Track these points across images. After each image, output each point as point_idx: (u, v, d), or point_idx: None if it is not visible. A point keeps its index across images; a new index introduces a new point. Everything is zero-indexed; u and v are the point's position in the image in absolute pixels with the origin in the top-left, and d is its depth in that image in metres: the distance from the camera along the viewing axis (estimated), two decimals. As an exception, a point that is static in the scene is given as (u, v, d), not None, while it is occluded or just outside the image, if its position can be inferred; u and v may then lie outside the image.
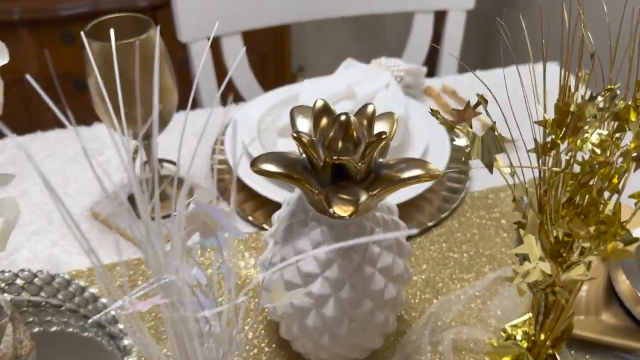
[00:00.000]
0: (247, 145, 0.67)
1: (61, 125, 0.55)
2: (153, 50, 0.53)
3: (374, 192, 0.39)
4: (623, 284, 0.54)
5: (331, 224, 0.41)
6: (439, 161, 0.67)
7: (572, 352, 0.50)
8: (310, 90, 0.69)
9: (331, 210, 0.36)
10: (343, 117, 0.39)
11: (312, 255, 0.41)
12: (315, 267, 0.42)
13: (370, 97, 0.69)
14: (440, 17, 1.00)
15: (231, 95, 0.33)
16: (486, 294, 0.55)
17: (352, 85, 0.69)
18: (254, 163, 0.40)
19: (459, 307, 0.53)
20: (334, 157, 0.37)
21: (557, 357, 0.42)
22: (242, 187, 0.65)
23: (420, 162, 0.40)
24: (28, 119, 1.51)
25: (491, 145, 0.30)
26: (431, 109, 0.33)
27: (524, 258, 0.34)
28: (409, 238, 0.61)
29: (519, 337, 0.44)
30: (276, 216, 0.46)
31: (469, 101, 0.31)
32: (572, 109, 0.28)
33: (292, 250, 0.43)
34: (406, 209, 0.63)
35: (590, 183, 0.31)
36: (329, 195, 0.37)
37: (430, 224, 0.62)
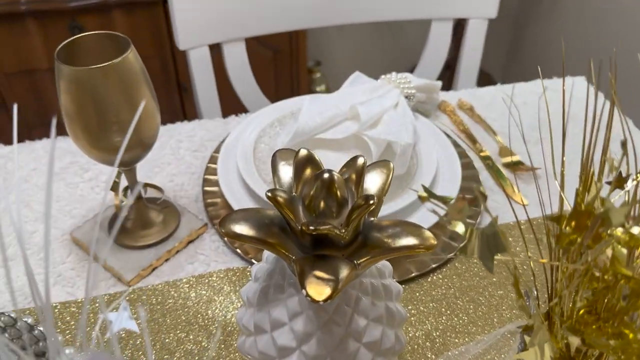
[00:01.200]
0: (241, 169, 0.62)
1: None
2: (131, 72, 0.48)
3: (360, 261, 0.34)
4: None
5: (310, 293, 0.36)
6: (450, 188, 0.61)
7: None
8: (310, 110, 0.64)
9: (304, 292, 0.31)
10: (326, 175, 0.34)
11: (289, 327, 0.36)
12: (292, 339, 0.37)
13: (376, 119, 0.63)
14: (459, 26, 0.92)
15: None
16: (492, 352, 0.50)
17: (357, 105, 0.63)
18: (223, 223, 0.35)
19: (461, 368, 0.48)
20: (311, 228, 0.32)
21: None
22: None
23: (415, 229, 0.35)
24: (37, 109, 1.49)
25: (492, 243, 0.24)
26: (419, 195, 0.27)
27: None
28: (407, 282, 0.56)
29: None
30: (254, 271, 0.41)
31: (463, 196, 0.25)
32: (594, 207, 0.22)
33: (267, 317, 0.38)
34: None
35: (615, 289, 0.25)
36: (304, 270, 0.32)
37: (433, 265, 0.56)
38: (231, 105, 0.92)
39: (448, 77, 1.08)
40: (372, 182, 0.38)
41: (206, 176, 0.67)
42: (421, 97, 0.73)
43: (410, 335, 0.51)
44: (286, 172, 0.38)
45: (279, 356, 0.37)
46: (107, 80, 0.46)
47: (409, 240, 0.34)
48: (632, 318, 0.26)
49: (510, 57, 1.56)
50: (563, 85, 0.26)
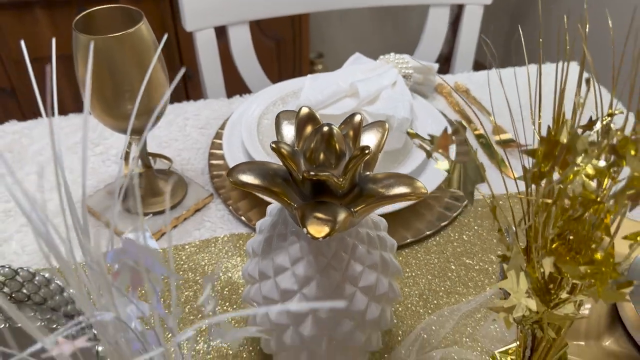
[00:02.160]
0: (245, 142, 0.65)
1: (76, 108, 0.53)
2: (143, 43, 0.51)
3: (356, 209, 0.37)
4: (628, 309, 0.51)
5: (311, 240, 0.39)
6: (443, 165, 0.64)
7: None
8: (312, 87, 0.67)
9: (305, 230, 0.34)
10: (325, 129, 0.37)
11: (291, 271, 0.39)
12: (294, 283, 0.40)
13: (375, 96, 0.66)
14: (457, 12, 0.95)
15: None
16: (481, 311, 0.53)
17: (356, 82, 0.66)
18: (231, 173, 0.38)
19: (451, 324, 0.51)
20: (312, 173, 0.35)
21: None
22: (237, 185, 0.63)
23: (407, 180, 0.38)
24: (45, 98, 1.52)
25: (472, 174, 0.27)
26: (408, 132, 0.30)
27: (509, 292, 0.31)
28: (403, 247, 0.59)
29: (507, 366, 0.41)
30: (259, 225, 0.44)
31: (446, 127, 0.28)
32: (563, 139, 0.25)
33: (271, 264, 0.41)
34: (405, 216, 0.61)
35: (584, 217, 0.28)
36: (305, 214, 0.35)
37: (428, 232, 0.59)
38: (236, 88, 0.95)
39: (445, 70, 1.11)
40: (369, 139, 0.41)
41: (212, 150, 0.70)
42: (418, 78, 0.76)
43: (404, 294, 0.54)
44: (289, 130, 0.41)
45: (282, 299, 0.40)
46: (122, 49, 0.49)
47: (402, 189, 0.37)
48: (600, 245, 0.29)
49: (507, 49, 1.58)
50: (556, 64, 0.29)
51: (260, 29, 1.46)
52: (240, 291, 0.55)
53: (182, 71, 0.26)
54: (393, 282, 0.43)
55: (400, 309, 0.53)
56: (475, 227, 0.61)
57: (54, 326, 0.53)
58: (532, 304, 0.30)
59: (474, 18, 0.96)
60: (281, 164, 0.38)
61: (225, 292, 0.54)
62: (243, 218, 0.61)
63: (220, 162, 0.68)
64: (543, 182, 0.29)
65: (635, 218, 0.57)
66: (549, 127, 0.27)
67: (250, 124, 0.68)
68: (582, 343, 0.50)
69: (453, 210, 0.62)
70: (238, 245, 0.59)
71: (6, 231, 0.60)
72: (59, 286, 0.50)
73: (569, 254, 0.30)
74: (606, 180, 0.28)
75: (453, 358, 0.48)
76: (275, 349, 0.44)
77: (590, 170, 0.27)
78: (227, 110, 0.78)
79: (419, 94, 0.78)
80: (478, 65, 0.98)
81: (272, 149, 0.36)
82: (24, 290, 0.52)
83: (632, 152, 0.26)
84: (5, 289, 0.51)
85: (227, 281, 0.55)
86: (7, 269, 0.50)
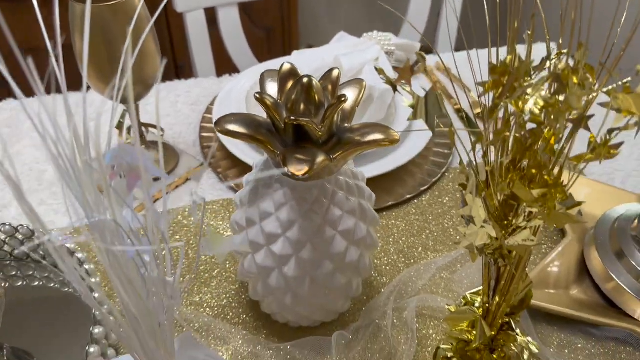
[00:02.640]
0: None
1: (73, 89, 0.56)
2: (135, 13, 0.54)
3: (334, 155, 0.40)
4: (595, 261, 0.54)
5: (293, 186, 0.42)
6: (422, 136, 0.67)
7: (540, 325, 0.51)
8: (297, 61, 0.70)
9: (286, 169, 0.37)
10: (305, 80, 0.40)
11: (275, 216, 0.42)
12: (278, 227, 0.43)
13: (357, 70, 0.70)
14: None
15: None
16: (457, 265, 0.56)
17: (339, 57, 0.69)
18: (219, 123, 0.41)
19: (428, 275, 0.54)
20: (292, 118, 0.38)
21: (513, 325, 0.43)
22: (230, 154, 0.66)
23: (381, 128, 0.41)
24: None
25: (434, 106, 0.30)
26: (376, 67, 0.33)
27: (470, 220, 0.34)
28: (384, 210, 0.62)
29: (477, 305, 0.45)
30: (245, 179, 0.47)
31: (408, 60, 0.31)
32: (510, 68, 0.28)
33: (257, 210, 0.44)
34: (388, 182, 0.64)
35: (536, 147, 0.32)
36: (286, 155, 0.38)
37: (408, 196, 0.63)
38: (226, 70, 0.98)
39: (428, 50, 1.14)
40: (347, 94, 0.44)
41: (203, 124, 0.73)
42: (400, 55, 0.79)
43: (384, 253, 0.57)
44: (272, 87, 0.44)
45: (267, 243, 0.43)
46: (116, 18, 0.52)
47: (376, 136, 0.40)
48: (551, 166, 0.32)
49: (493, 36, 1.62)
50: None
51: (250, 19, 1.49)
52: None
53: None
54: (371, 230, 0.46)
55: (380, 264, 0.56)
56: (453, 192, 0.64)
57: (52, 285, 0.55)
58: (491, 229, 0.34)
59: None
60: (265, 116, 0.42)
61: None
62: (233, 185, 0.64)
63: (211, 134, 0.71)
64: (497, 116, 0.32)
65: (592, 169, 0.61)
66: (502, 61, 0.30)
67: (239, 97, 0.71)
68: (552, 291, 0.53)
69: (433, 177, 0.65)
70: (227, 209, 0.62)
71: (4, 198, 0.63)
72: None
73: (521, 182, 0.33)
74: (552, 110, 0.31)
75: (428, 304, 0.52)
76: (262, 293, 0.47)
77: (539, 101, 0.30)
78: (217, 88, 0.81)
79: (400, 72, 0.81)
80: (459, 47, 1.02)
81: (256, 99, 0.39)
82: (24, 249, 0.54)
83: (574, 80, 0.29)
84: (6, 247, 0.54)
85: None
86: (7, 227, 0.53)
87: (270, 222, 0.43)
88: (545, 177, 0.31)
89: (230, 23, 0.98)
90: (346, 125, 0.43)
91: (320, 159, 0.38)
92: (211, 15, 0.96)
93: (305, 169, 0.37)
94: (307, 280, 0.44)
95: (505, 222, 0.34)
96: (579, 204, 0.32)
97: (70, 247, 0.50)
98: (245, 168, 0.65)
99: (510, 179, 0.33)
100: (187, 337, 0.37)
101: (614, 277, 0.52)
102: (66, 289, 0.55)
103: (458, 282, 0.53)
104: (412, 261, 0.57)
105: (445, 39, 1.03)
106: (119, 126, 0.63)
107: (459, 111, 0.77)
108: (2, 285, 0.46)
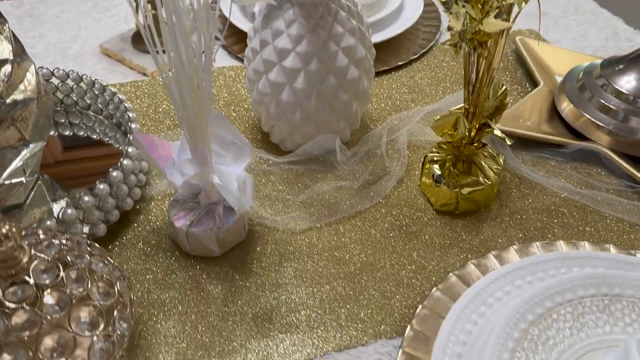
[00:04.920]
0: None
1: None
2: None
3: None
4: (565, 102, 0.61)
5: (302, 4, 0.49)
6: (412, 16, 0.74)
7: (515, 151, 0.58)
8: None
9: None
10: None
11: (286, 33, 0.49)
12: (288, 42, 0.49)
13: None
14: None
15: None
16: (441, 112, 0.63)
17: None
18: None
19: (417, 119, 0.61)
20: None
21: (491, 124, 0.50)
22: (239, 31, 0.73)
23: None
24: None
25: None
26: None
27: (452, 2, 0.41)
28: (379, 74, 0.69)
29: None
30: (257, 8, 0.53)
31: None
32: None
33: (270, 31, 0.50)
34: (380, 55, 0.71)
35: None
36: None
37: (400, 63, 0.70)
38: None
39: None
40: None
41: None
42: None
43: (377, 104, 0.64)
44: None
45: (279, 60, 0.50)
46: None
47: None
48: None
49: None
50: None
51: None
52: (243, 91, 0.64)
53: None
54: (369, 54, 0.53)
55: (374, 116, 0.63)
56: (443, 64, 0.71)
57: (95, 136, 0.60)
58: (471, 9, 0.41)
59: None
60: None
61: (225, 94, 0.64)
62: (239, 56, 0.71)
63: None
64: None
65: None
66: None
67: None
68: (525, 123, 0.60)
69: (423, 48, 0.72)
70: (239, 74, 0.69)
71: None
72: (111, 92, 0.57)
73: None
74: None
75: (418, 136, 0.59)
76: (275, 114, 0.53)
77: None
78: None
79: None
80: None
81: None
82: (73, 96, 0.60)
83: None
84: (58, 93, 0.60)
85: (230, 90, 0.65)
86: (61, 71, 0.58)
87: (282, 39, 0.50)
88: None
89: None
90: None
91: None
92: None
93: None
94: (314, 94, 0.51)
95: (480, 5, 0.41)
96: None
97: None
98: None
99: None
100: (219, 117, 0.44)
101: (583, 113, 0.59)
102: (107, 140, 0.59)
103: (444, 110, 0.60)
104: (402, 110, 0.64)
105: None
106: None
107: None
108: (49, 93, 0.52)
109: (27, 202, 0.51)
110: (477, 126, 0.50)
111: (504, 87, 0.49)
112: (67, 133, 0.59)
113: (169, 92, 0.40)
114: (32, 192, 0.52)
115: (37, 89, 0.46)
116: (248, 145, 0.45)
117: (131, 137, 0.50)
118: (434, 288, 0.44)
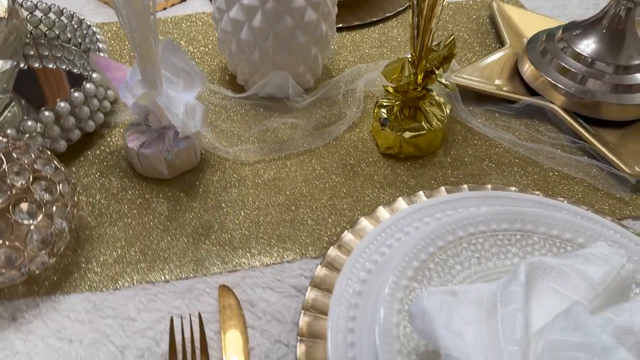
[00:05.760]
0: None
1: None
2: None
3: None
4: (526, 64, 0.63)
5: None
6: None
7: (468, 105, 0.60)
8: None
9: None
10: None
11: (246, -29, 0.52)
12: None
13: None
14: None
15: None
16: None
17: None
18: None
19: (377, 73, 0.63)
20: None
21: (436, 72, 0.52)
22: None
23: None
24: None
25: None
26: None
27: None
28: (353, 28, 0.71)
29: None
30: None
31: None
32: None
33: (232, -29, 0.53)
34: (356, 10, 0.73)
35: None
36: None
37: (375, 19, 0.72)
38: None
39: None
40: None
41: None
42: None
43: (345, 59, 0.67)
44: None
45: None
46: None
47: None
48: None
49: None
50: None
51: None
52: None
53: None
54: (329, 1, 0.56)
55: (338, 61, 0.65)
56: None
57: (75, 70, 0.64)
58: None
59: None
60: None
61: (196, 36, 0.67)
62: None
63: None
64: None
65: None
66: None
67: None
68: (484, 80, 0.62)
69: (398, 7, 0.74)
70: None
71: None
72: (88, 26, 0.61)
73: None
74: None
75: (376, 86, 0.61)
76: (235, 52, 0.56)
77: None
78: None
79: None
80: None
81: None
82: (55, 30, 0.63)
83: None
84: (41, 26, 0.63)
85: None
86: (44, 4, 0.62)
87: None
88: None
89: None
90: None
91: None
92: None
93: None
94: (271, 34, 0.54)
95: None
96: None
97: None
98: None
99: None
100: (169, 43, 0.47)
101: (542, 74, 0.60)
102: (76, 70, 0.64)
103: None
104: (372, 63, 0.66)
105: None
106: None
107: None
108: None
109: (1, 119, 0.55)
110: (423, 73, 0.52)
111: (452, 37, 0.51)
112: (50, 66, 0.63)
113: (117, 14, 0.43)
114: (7, 111, 0.56)
115: (9, 11, 0.49)
116: (199, 74, 0.48)
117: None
118: (362, 217, 0.46)
